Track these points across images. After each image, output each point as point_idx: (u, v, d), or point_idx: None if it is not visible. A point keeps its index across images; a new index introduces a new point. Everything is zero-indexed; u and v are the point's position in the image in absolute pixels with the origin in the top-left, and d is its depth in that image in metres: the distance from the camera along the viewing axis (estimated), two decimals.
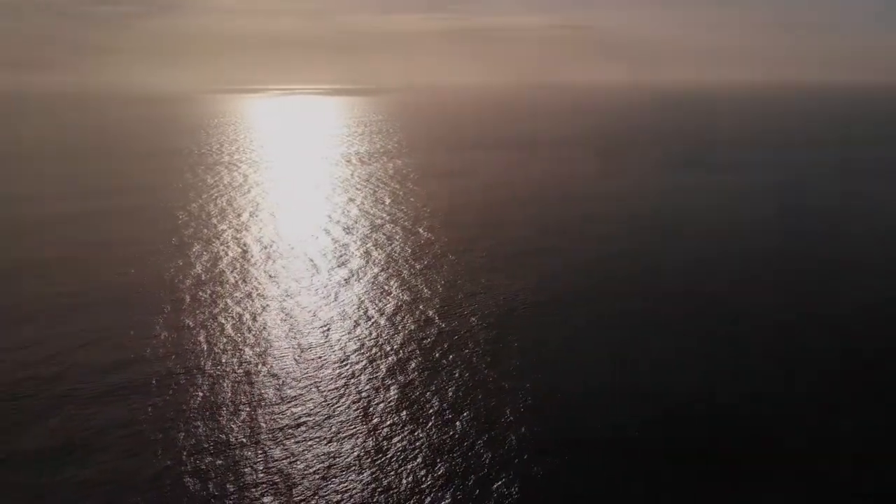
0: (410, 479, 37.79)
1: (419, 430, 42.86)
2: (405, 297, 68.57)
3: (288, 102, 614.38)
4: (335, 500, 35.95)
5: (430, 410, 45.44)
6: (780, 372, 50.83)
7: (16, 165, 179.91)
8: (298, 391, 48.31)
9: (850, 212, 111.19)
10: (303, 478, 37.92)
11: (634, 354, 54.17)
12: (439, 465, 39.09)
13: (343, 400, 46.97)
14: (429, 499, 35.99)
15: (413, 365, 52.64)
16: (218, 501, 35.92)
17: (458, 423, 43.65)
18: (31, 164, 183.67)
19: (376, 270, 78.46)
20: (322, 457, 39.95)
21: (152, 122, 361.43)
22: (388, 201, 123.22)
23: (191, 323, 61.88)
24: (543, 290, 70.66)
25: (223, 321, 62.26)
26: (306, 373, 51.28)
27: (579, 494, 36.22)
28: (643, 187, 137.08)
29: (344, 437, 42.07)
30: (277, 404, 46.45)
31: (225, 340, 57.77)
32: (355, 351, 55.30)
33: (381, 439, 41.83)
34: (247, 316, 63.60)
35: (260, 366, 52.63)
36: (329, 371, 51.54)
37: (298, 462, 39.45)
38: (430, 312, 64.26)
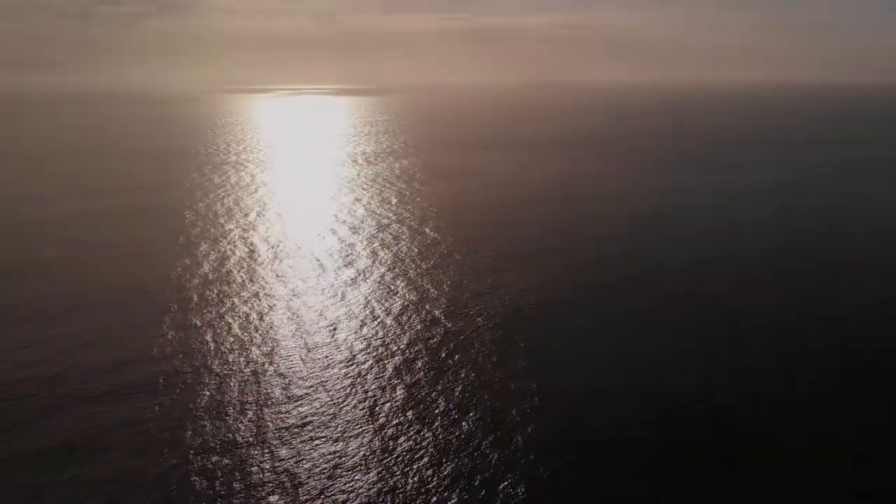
0: (416, 478, 38.29)
1: (425, 430, 43.37)
2: (411, 297, 69.10)
3: (294, 102, 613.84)
4: (341, 499, 36.40)
5: (437, 410, 45.95)
6: (780, 372, 51.32)
7: (16, 165, 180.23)
8: (305, 390, 48.81)
9: (850, 212, 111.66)
10: (309, 477, 38.37)
11: (636, 354, 54.68)
12: (445, 464, 39.59)
13: (349, 399, 47.48)
14: (435, 499, 36.48)
15: (419, 365, 53.15)
16: (224, 500, 36.33)
17: (464, 424, 44.16)
18: (32, 164, 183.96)
19: (383, 270, 79.00)
20: (328, 456, 40.43)
21: (157, 122, 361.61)
22: (394, 201, 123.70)
23: (198, 322, 62.37)
24: (548, 290, 71.17)
25: (230, 320, 62.77)
26: (313, 372, 51.79)
27: (584, 495, 36.73)
28: (643, 187, 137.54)
29: (350, 437, 42.56)
30: (284, 403, 46.94)
31: (232, 340, 58.27)
32: (362, 350, 55.82)
33: (387, 439, 42.33)
34: (254, 315, 64.11)
35: (267, 365, 53.13)
36: (335, 371, 52.06)
37: (305, 461, 39.91)
38: (437, 312, 64.78)
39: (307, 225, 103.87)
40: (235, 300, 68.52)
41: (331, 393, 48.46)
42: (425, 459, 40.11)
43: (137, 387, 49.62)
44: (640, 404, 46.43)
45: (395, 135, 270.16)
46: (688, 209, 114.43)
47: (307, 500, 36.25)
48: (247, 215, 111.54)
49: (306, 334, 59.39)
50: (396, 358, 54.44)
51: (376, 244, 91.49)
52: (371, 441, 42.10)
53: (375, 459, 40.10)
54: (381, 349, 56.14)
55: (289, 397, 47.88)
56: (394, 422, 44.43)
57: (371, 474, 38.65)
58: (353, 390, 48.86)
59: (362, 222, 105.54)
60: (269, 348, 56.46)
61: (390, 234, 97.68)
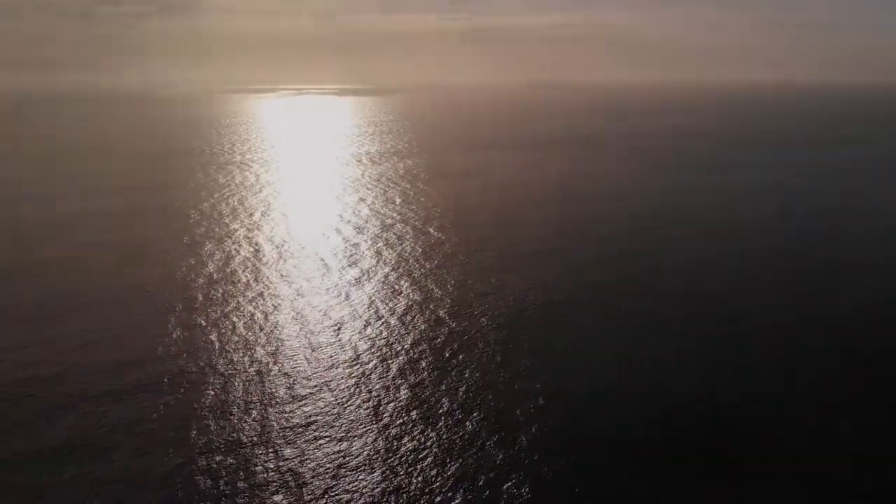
0: (421, 478, 38.63)
1: (429, 430, 43.71)
2: (416, 297, 69.44)
3: (296, 103, 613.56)
4: (345, 499, 36.72)
5: (441, 410, 46.30)
6: (780, 372, 51.66)
7: (16, 165, 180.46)
8: (309, 390, 49.15)
9: (850, 212, 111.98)
10: (313, 477, 38.66)
11: (637, 355, 55.03)
12: (450, 465, 39.94)
13: (354, 399, 47.82)
14: (439, 499, 36.81)
15: (423, 365, 53.50)
16: (229, 500, 36.62)
17: (468, 424, 44.51)
18: (32, 164, 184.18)
19: (387, 270, 79.34)
20: (332, 456, 40.75)
21: (158, 123, 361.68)
22: (398, 201, 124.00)
23: (202, 322, 62.70)
24: (550, 289, 71.52)
25: (234, 320, 63.10)
26: (317, 372, 52.14)
27: (587, 495, 37.09)
28: (643, 187, 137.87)
29: (354, 437, 42.89)
30: (288, 403, 47.27)
31: (236, 339, 58.60)
32: (366, 350, 56.16)
33: (391, 439, 42.67)
34: (258, 315, 64.44)
35: (271, 365, 53.46)
36: (340, 370, 52.40)
37: (309, 461, 40.21)
38: (441, 312, 65.13)
39: (312, 225, 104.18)
40: (240, 300, 68.85)
41: (335, 393, 48.81)
42: (429, 459, 40.45)
43: (140, 386, 49.85)
44: (641, 404, 46.79)
45: (397, 135, 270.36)
46: (688, 209, 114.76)
47: (311, 500, 36.56)
48: (251, 215, 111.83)
49: (311, 334, 59.74)
50: (401, 358, 54.79)
51: (381, 244, 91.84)
52: (375, 441, 42.44)
53: (379, 459, 40.44)
54: (385, 349, 56.49)
55: (293, 397, 48.22)
56: (398, 422, 44.77)
57: (375, 474, 38.98)
58: (358, 390, 49.20)
59: (367, 222, 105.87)
60: (274, 348, 56.80)
61: (395, 233, 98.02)
